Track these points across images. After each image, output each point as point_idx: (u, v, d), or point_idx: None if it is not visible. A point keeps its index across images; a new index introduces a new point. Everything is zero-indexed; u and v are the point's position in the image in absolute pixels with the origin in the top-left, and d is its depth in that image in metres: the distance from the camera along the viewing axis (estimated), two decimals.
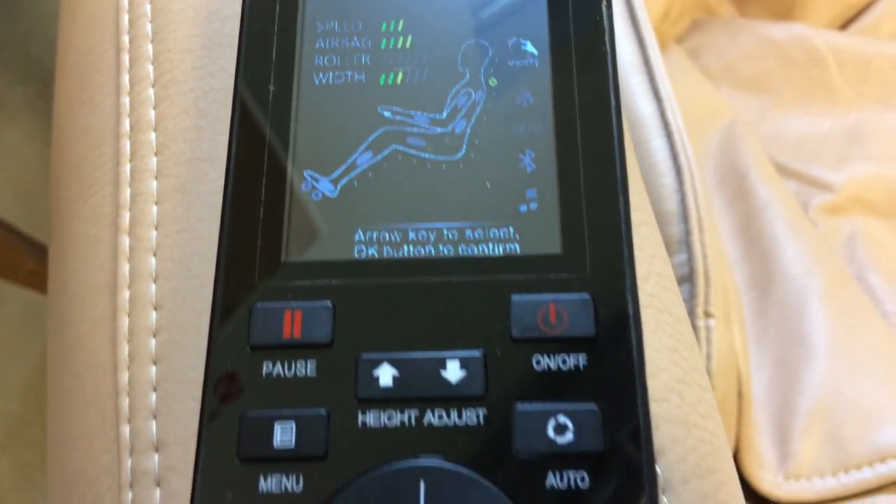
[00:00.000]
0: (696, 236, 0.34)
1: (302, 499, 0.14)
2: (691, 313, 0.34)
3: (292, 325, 0.15)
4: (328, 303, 0.15)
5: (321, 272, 0.15)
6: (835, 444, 0.38)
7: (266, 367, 0.14)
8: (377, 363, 0.14)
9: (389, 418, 0.14)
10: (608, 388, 0.14)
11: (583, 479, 0.13)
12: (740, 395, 0.38)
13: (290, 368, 0.14)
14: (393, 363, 0.14)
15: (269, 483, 0.14)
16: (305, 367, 0.14)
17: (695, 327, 0.34)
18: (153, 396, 0.17)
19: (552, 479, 0.13)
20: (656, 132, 0.37)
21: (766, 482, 0.38)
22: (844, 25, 0.61)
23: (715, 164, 0.50)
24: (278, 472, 0.14)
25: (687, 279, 0.35)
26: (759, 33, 0.57)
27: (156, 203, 0.18)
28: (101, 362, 0.18)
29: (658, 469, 0.16)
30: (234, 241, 0.15)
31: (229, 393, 0.14)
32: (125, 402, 0.17)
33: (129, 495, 0.16)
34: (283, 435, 0.14)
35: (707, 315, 0.34)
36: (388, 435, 0.14)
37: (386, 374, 0.14)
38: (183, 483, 0.16)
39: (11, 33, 1.07)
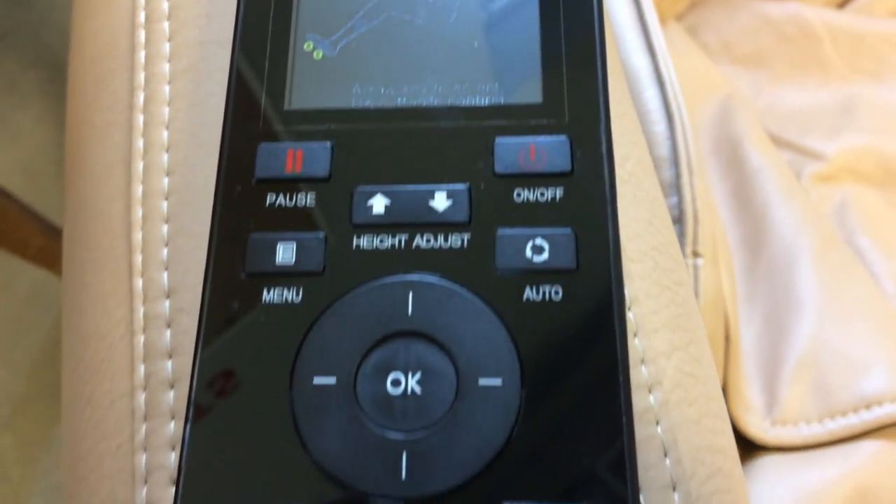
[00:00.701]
0: (685, 179, 0.36)
1: (301, 308, 0.15)
2: None
3: (294, 161, 0.16)
4: (327, 143, 0.16)
5: (321, 118, 0.16)
6: (821, 392, 0.39)
7: (270, 198, 0.16)
8: (371, 194, 0.16)
9: (381, 241, 0.15)
10: (582, 215, 0.15)
11: (556, 293, 0.15)
12: (728, 339, 0.39)
13: (291, 199, 0.16)
14: (386, 194, 0.16)
15: (271, 294, 0.15)
16: (305, 198, 0.16)
17: None
18: (165, 251, 0.18)
19: (529, 292, 0.15)
20: (649, 83, 0.38)
21: (753, 426, 0.39)
22: (840, 7, 0.62)
23: (710, 133, 0.51)
24: (280, 286, 0.15)
25: (676, 221, 0.36)
26: (756, 11, 0.58)
27: (168, 83, 0.19)
28: (116, 227, 0.19)
29: (631, 315, 0.17)
30: (241, 93, 0.17)
31: (237, 220, 0.16)
32: (138, 258, 0.18)
33: (142, 338, 0.17)
34: (285, 254, 0.15)
35: (695, 254, 0.35)
36: (379, 255, 0.15)
37: (379, 204, 0.16)
38: (192, 321, 0.17)
39: (24, 20, 1.09)
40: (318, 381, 0.14)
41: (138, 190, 0.19)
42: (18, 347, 0.93)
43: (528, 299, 0.15)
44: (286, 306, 0.15)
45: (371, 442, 0.14)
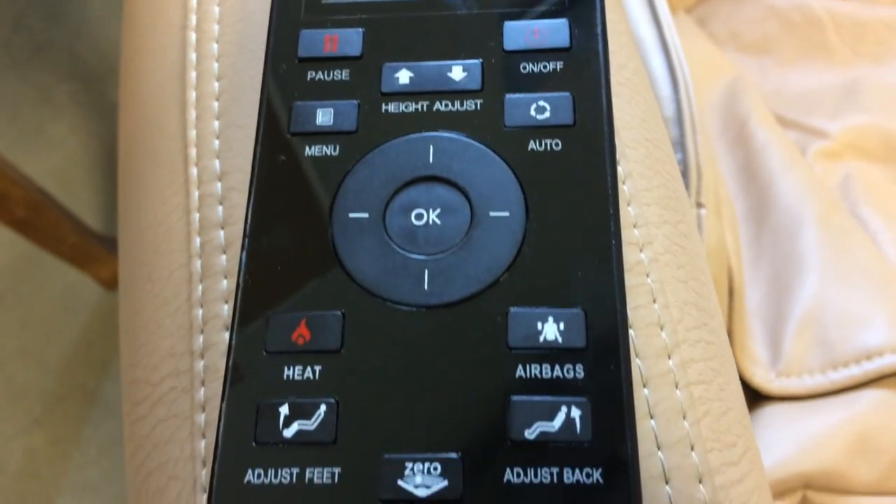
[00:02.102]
0: (689, 137, 0.38)
1: (338, 159, 0.17)
2: None
3: (331, 44, 0.19)
4: (360, 29, 0.19)
5: (354, 9, 0.19)
6: (823, 345, 0.41)
7: (310, 74, 0.18)
8: (397, 69, 0.18)
9: (406, 106, 0.18)
10: (579, 83, 0.17)
11: (557, 145, 0.17)
12: (731, 292, 0.41)
13: (328, 74, 0.18)
14: (410, 68, 0.18)
15: (313, 150, 0.18)
16: (341, 73, 0.18)
17: None
18: (216, 142, 0.21)
19: (533, 144, 0.17)
20: (656, 52, 0.41)
21: (759, 377, 0.41)
22: None
23: (718, 114, 0.53)
24: (320, 143, 0.18)
25: (682, 176, 0.38)
26: (762, 1, 0.61)
27: (218, 4, 0.22)
28: (172, 130, 0.22)
29: (625, 188, 0.19)
30: None
31: (283, 92, 0.18)
32: (193, 151, 0.21)
33: (197, 215, 0.20)
34: (324, 117, 0.18)
35: (699, 205, 0.38)
36: (405, 117, 0.18)
37: (404, 76, 0.18)
38: (241, 197, 0.20)
39: (58, 34, 1.13)
40: (353, 215, 0.17)
41: (192, 95, 0.21)
42: (50, 347, 0.96)
43: (532, 150, 0.17)
44: (326, 158, 0.17)
45: (398, 262, 0.16)
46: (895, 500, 0.39)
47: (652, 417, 0.17)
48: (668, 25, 0.41)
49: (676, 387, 0.17)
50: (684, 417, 0.17)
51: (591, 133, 0.17)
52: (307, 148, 0.18)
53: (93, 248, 0.92)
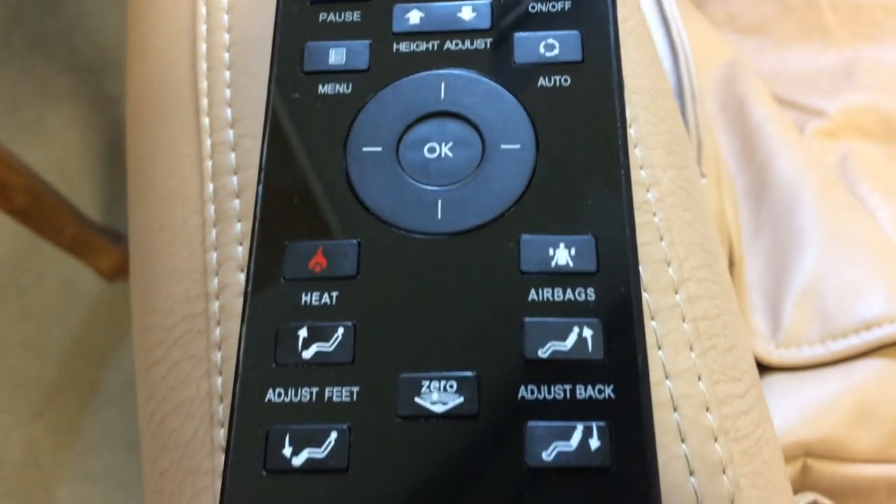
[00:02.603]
0: (690, 108, 0.38)
1: (351, 96, 0.18)
2: None
3: None
4: None
5: None
6: (823, 316, 0.41)
7: (322, 16, 0.19)
8: (408, 9, 0.19)
9: (417, 46, 0.18)
10: (587, 21, 0.18)
11: (566, 80, 0.17)
12: (731, 264, 0.41)
13: (340, 16, 0.19)
14: (420, 9, 0.19)
15: (325, 88, 0.18)
16: (353, 15, 0.19)
17: None
18: (228, 91, 0.21)
19: (542, 80, 0.18)
20: (655, 26, 0.41)
21: (758, 348, 0.41)
22: None
23: (717, 94, 0.53)
24: (333, 81, 0.18)
25: None
26: None
27: None
28: (182, 82, 0.22)
29: (632, 131, 0.20)
30: None
31: (295, 32, 0.19)
32: (204, 101, 0.21)
33: (209, 163, 0.20)
34: (336, 57, 0.18)
35: (700, 175, 0.38)
36: (416, 56, 0.18)
37: (415, 16, 0.19)
38: (254, 143, 0.20)
39: (56, 27, 1.13)
40: (367, 149, 0.17)
41: (202, 47, 0.22)
42: (51, 338, 0.96)
43: (541, 86, 0.17)
44: (339, 95, 0.18)
45: (412, 193, 0.17)
46: (895, 468, 0.39)
47: (660, 348, 0.17)
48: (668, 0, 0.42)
49: (683, 320, 0.18)
50: (691, 349, 0.17)
51: (600, 68, 0.17)
52: (320, 86, 0.18)
53: (92, 238, 0.92)
